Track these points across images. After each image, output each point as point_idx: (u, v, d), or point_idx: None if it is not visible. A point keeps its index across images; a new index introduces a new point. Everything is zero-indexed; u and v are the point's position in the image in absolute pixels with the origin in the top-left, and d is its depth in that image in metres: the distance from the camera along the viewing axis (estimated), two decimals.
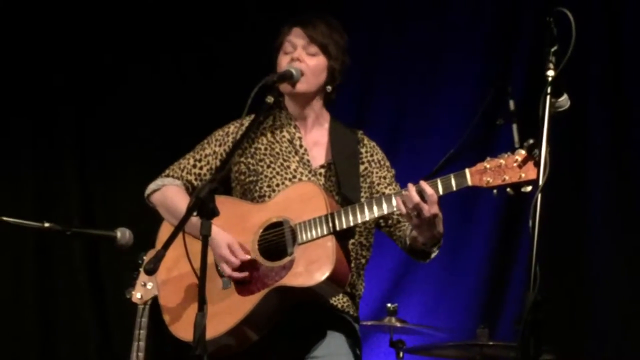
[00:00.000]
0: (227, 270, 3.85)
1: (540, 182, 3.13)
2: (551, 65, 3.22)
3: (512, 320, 3.12)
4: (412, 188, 3.69)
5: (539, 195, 3.10)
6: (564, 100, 3.29)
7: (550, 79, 3.21)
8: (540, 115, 3.19)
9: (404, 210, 3.69)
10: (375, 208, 3.78)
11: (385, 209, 3.77)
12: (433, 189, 3.67)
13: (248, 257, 3.85)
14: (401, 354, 5.86)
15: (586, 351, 6.25)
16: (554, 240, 6.07)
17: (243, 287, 3.85)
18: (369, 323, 5.86)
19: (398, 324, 5.85)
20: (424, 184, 3.68)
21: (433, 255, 3.93)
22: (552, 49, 3.23)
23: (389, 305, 5.90)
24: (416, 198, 3.66)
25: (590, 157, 6.46)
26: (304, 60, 3.97)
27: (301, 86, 3.98)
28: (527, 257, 3.06)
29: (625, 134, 6.39)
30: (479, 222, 6.62)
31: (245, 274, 3.85)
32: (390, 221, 4.00)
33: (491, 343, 5.64)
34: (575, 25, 3.19)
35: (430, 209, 3.67)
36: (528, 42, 6.60)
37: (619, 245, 6.32)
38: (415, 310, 6.46)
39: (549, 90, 3.21)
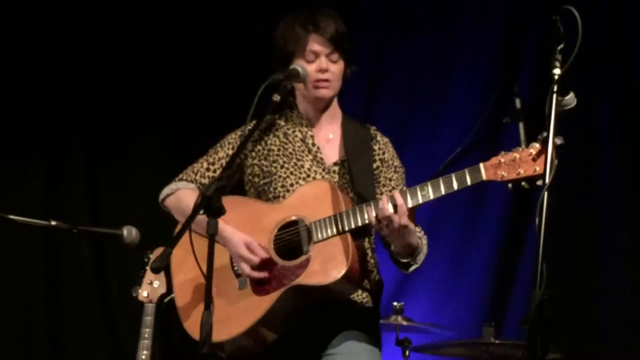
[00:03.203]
0: (247, 269, 3.84)
1: (547, 180, 3.12)
2: (557, 64, 3.22)
3: (518, 319, 3.11)
4: (384, 198, 3.71)
5: (546, 194, 3.10)
6: (571, 99, 3.29)
7: (556, 77, 3.21)
8: (546, 113, 3.19)
9: (374, 221, 3.71)
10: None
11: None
12: (447, 185, 3.66)
13: (266, 255, 3.85)
14: (407, 353, 5.86)
15: (593, 350, 6.24)
16: (561, 239, 6.07)
17: (260, 287, 3.85)
18: None
19: (404, 323, 5.85)
20: (396, 195, 3.69)
21: (411, 268, 3.91)
22: (559, 47, 3.22)
23: (395, 303, 5.90)
24: (387, 211, 3.67)
25: (599, 156, 6.45)
26: (329, 69, 3.98)
27: (328, 92, 3.99)
28: (534, 256, 3.06)
29: (634, 132, 6.38)
30: (485, 220, 6.62)
31: (264, 274, 3.84)
32: None
33: (497, 341, 5.63)
34: (583, 24, 3.19)
35: (400, 220, 3.68)
36: (535, 40, 6.59)
37: (627, 244, 6.31)
38: (421, 309, 6.46)
39: (555, 88, 3.20)
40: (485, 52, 6.74)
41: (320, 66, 3.96)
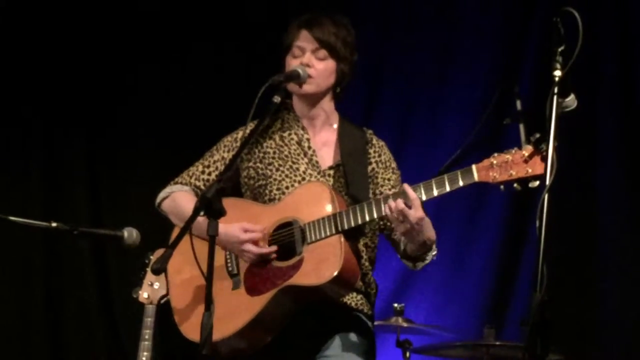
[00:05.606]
0: (253, 248, 3.83)
1: (548, 182, 3.12)
2: (558, 65, 3.22)
3: (519, 321, 3.11)
4: (396, 194, 3.72)
5: (546, 195, 3.10)
6: (571, 100, 3.29)
7: (557, 79, 3.21)
8: (547, 115, 3.19)
9: (390, 215, 3.70)
10: (382, 208, 3.77)
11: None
12: (440, 187, 3.67)
13: (264, 230, 3.84)
14: (408, 354, 5.86)
15: (593, 351, 6.24)
16: (562, 240, 6.06)
17: (253, 287, 3.85)
18: (376, 323, 5.83)
19: (405, 324, 5.85)
20: (407, 188, 3.69)
21: (427, 260, 3.93)
22: (559, 49, 3.22)
23: (395, 305, 5.90)
24: (400, 204, 3.67)
25: (599, 157, 6.45)
26: (313, 65, 3.97)
27: (309, 87, 3.97)
28: (534, 257, 3.06)
29: (634, 134, 6.38)
30: (485, 222, 6.62)
31: (273, 248, 3.84)
32: (389, 223, 3.95)
33: (498, 343, 5.64)
34: (583, 25, 3.19)
35: (415, 213, 3.68)
36: (536, 41, 6.59)
37: (627, 245, 6.31)
38: (422, 310, 6.45)
39: (556, 90, 3.20)
40: (485, 53, 6.74)
41: (302, 61, 3.96)
